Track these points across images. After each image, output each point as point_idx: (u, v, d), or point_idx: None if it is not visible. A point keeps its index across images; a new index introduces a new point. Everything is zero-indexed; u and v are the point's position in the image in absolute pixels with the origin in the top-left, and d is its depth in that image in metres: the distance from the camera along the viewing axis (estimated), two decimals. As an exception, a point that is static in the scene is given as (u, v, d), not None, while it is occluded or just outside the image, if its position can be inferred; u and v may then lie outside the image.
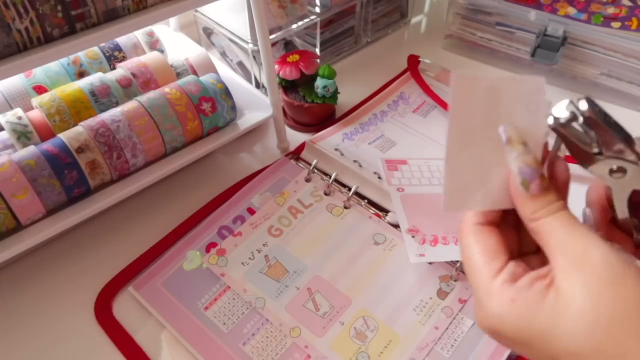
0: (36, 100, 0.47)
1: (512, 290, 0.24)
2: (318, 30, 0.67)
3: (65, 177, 0.44)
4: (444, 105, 0.62)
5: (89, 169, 0.45)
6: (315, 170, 0.55)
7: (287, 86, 0.61)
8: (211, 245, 0.49)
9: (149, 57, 0.53)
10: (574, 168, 0.29)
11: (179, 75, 0.54)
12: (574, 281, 0.23)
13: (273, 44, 0.64)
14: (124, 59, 0.55)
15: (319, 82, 0.58)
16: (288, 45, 0.68)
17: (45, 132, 0.47)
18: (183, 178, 0.56)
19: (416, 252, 0.45)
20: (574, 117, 0.26)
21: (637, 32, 0.60)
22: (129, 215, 0.53)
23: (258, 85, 0.65)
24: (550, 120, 0.26)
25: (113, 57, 0.54)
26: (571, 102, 0.26)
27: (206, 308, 0.44)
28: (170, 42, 0.61)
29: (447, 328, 0.43)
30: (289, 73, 0.58)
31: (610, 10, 0.64)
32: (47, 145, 0.44)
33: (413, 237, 0.47)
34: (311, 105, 0.59)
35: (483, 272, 0.26)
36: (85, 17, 0.38)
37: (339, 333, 0.43)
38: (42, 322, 0.45)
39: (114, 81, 0.50)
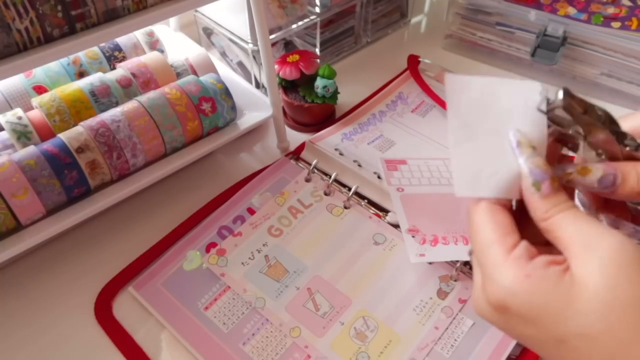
0: (36, 100, 0.47)
1: (528, 267, 0.24)
2: (318, 30, 0.67)
3: (65, 177, 0.44)
4: (443, 104, 0.62)
5: (89, 169, 0.45)
6: (315, 170, 0.55)
7: (287, 86, 0.61)
8: (211, 245, 0.49)
9: (149, 57, 0.53)
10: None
11: (179, 75, 0.54)
12: (590, 265, 0.23)
13: (273, 44, 0.64)
14: (124, 59, 0.55)
15: (319, 82, 0.58)
16: (288, 45, 0.68)
17: (45, 132, 0.47)
18: (183, 178, 0.56)
19: (416, 252, 0.45)
20: (557, 105, 0.27)
21: (637, 32, 0.60)
22: (129, 215, 0.53)
23: (258, 85, 0.65)
24: (543, 107, 0.27)
25: (113, 57, 0.54)
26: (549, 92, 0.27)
27: (206, 308, 0.44)
28: (170, 42, 0.61)
29: (447, 328, 0.43)
30: (289, 73, 0.58)
31: (610, 10, 0.64)
32: (47, 145, 0.44)
33: (413, 237, 0.47)
34: (311, 105, 0.59)
35: (496, 247, 0.25)
36: (85, 17, 0.38)
37: (339, 333, 0.43)
38: (42, 322, 0.45)
39: (114, 81, 0.50)
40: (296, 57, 0.59)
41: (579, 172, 0.27)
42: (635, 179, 0.27)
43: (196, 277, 0.46)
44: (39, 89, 0.50)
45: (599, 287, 0.22)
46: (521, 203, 0.27)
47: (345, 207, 0.52)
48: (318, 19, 0.65)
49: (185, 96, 0.50)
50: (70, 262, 0.49)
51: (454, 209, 0.49)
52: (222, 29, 0.63)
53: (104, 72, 0.52)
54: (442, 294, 0.45)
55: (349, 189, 0.53)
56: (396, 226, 0.50)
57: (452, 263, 0.46)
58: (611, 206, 0.30)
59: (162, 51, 0.58)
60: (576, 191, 0.30)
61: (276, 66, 0.59)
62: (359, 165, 0.55)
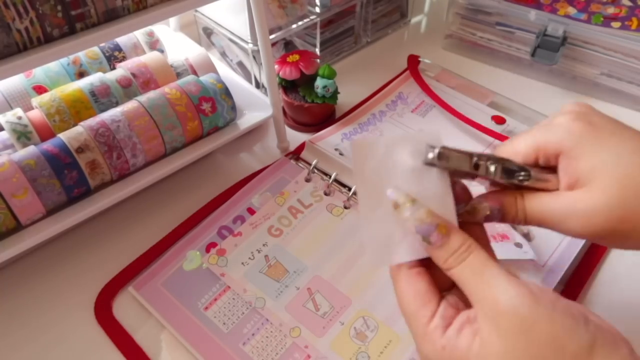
0: (36, 100, 0.47)
1: (443, 339, 0.26)
2: (318, 30, 0.67)
3: (65, 177, 0.44)
4: (443, 105, 0.62)
5: (89, 169, 0.45)
6: (315, 170, 0.55)
7: (287, 86, 0.61)
8: (211, 245, 0.49)
9: (149, 57, 0.53)
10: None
11: (179, 75, 0.54)
12: (491, 330, 0.25)
13: (273, 44, 0.64)
14: (124, 59, 0.55)
15: (319, 82, 0.58)
16: (288, 45, 0.68)
17: (45, 132, 0.47)
18: (183, 178, 0.56)
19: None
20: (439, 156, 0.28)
21: (637, 32, 0.60)
22: (129, 215, 0.53)
23: (258, 85, 0.65)
24: (432, 159, 0.28)
25: (113, 57, 0.54)
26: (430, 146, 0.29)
27: (206, 308, 0.44)
28: (170, 42, 0.61)
29: (447, 328, 0.43)
30: (289, 73, 0.58)
31: (610, 10, 0.64)
32: (47, 145, 0.44)
33: None
34: (311, 105, 0.59)
35: (417, 318, 0.28)
36: (85, 17, 0.38)
37: (339, 333, 0.43)
38: (42, 322, 0.45)
39: (114, 81, 0.50)
40: (296, 57, 0.59)
41: (469, 213, 0.29)
42: (514, 210, 0.30)
43: (196, 277, 0.46)
44: (39, 89, 0.50)
45: (501, 351, 0.24)
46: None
47: (345, 207, 0.52)
48: (318, 19, 0.65)
49: (185, 96, 0.50)
50: (70, 262, 0.49)
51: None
52: (222, 29, 0.63)
53: (104, 72, 0.52)
54: (442, 294, 0.45)
55: (349, 189, 0.53)
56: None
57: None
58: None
59: (162, 51, 0.58)
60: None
61: (276, 66, 0.59)
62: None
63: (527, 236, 0.48)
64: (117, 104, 0.49)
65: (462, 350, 0.26)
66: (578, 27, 0.62)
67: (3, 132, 0.46)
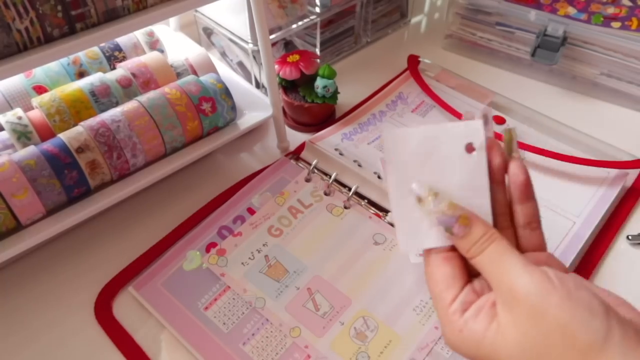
0: (36, 100, 0.47)
1: (460, 321, 0.27)
2: (318, 30, 0.67)
3: (65, 177, 0.44)
4: (443, 105, 0.62)
5: (89, 169, 0.45)
6: (315, 170, 0.55)
7: (287, 86, 0.61)
8: (211, 245, 0.49)
9: (149, 57, 0.53)
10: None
11: (179, 75, 0.54)
12: (507, 316, 0.26)
13: (273, 44, 0.64)
14: (124, 59, 0.55)
15: (319, 82, 0.58)
16: (288, 45, 0.68)
17: (45, 132, 0.47)
18: (183, 178, 0.56)
19: (416, 252, 0.45)
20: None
21: (637, 32, 0.60)
22: (129, 215, 0.53)
23: (258, 85, 0.65)
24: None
25: (113, 57, 0.54)
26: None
27: (206, 308, 0.44)
28: (170, 42, 0.61)
29: (447, 328, 0.43)
30: (289, 73, 0.58)
31: (610, 10, 0.64)
32: (47, 145, 0.44)
33: None
34: (311, 105, 0.59)
35: (440, 301, 0.29)
36: (85, 17, 0.38)
37: (339, 333, 0.43)
38: (42, 322, 0.45)
39: (114, 81, 0.50)
40: (296, 57, 0.59)
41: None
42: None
43: (196, 277, 0.46)
44: (39, 89, 0.50)
45: (515, 336, 0.25)
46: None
47: (345, 207, 0.52)
48: (318, 19, 0.65)
49: (185, 96, 0.50)
50: (71, 262, 0.49)
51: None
52: (222, 29, 0.63)
53: (104, 72, 0.52)
54: (442, 294, 0.45)
55: (349, 189, 0.53)
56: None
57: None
58: None
59: (162, 51, 0.58)
60: None
61: (276, 66, 0.59)
62: (359, 165, 0.55)
63: None
64: (117, 104, 0.49)
65: (477, 333, 0.26)
66: (578, 27, 0.62)
67: (3, 132, 0.46)
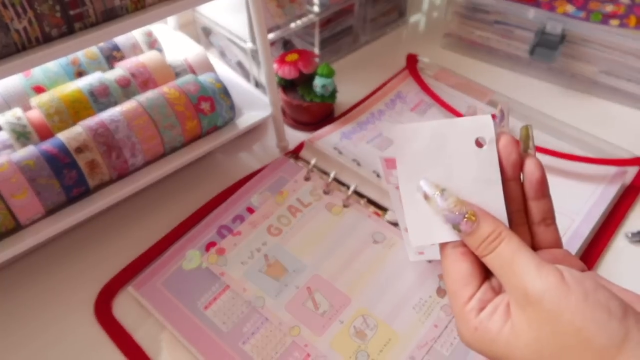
0: (35, 100, 0.47)
1: (476, 321, 0.27)
2: (317, 30, 0.67)
3: (65, 177, 0.44)
4: (442, 103, 0.62)
5: (88, 168, 0.45)
6: (315, 169, 0.55)
7: (286, 85, 0.61)
8: (210, 245, 0.49)
9: (148, 57, 0.53)
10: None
11: (177, 74, 0.54)
12: (521, 318, 0.26)
13: (272, 43, 0.64)
14: (122, 58, 0.55)
15: (318, 81, 0.58)
16: (287, 44, 0.68)
17: (44, 132, 0.47)
18: (182, 178, 0.56)
19: (415, 250, 0.45)
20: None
21: (635, 29, 0.60)
22: (128, 215, 0.53)
23: (257, 84, 0.65)
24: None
25: (112, 56, 0.54)
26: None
27: (206, 307, 0.44)
28: (169, 41, 0.61)
29: (446, 326, 0.43)
30: (288, 72, 0.58)
31: (609, 8, 0.64)
32: (46, 145, 0.44)
33: None
34: (310, 105, 0.59)
35: (456, 298, 0.28)
36: (83, 16, 0.38)
37: (339, 332, 0.43)
38: (42, 321, 0.45)
39: (113, 81, 0.50)
40: (295, 56, 0.59)
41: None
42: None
43: (196, 277, 0.47)
44: (38, 89, 0.50)
45: (529, 337, 0.25)
46: None
47: (345, 206, 0.52)
48: (317, 18, 0.65)
49: (184, 96, 0.50)
50: (70, 261, 0.49)
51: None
52: (220, 28, 0.63)
53: (103, 72, 0.52)
54: (441, 292, 0.45)
55: (348, 188, 0.53)
56: (395, 224, 0.50)
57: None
58: None
59: (160, 51, 0.58)
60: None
61: (275, 65, 0.59)
62: (358, 164, 0.55)
63: None
64: (115, 103, 0.49)
65: (492, 332, 0.26)
66: (577, 25, 0.62)
67: (2, 132, 0.46)
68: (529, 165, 0.29)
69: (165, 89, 0.50)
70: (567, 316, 0.24)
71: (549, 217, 0.30)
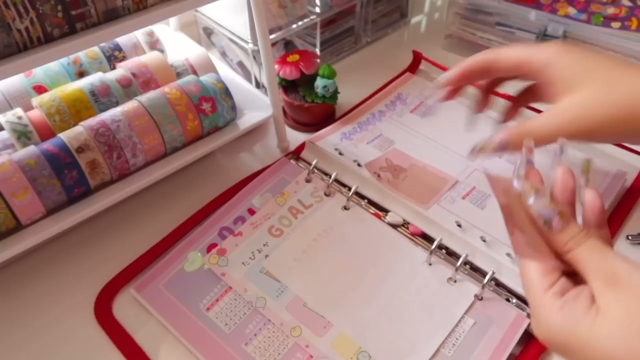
0: (36, 100, 0.47)
1: (560, 301, 0.28)
2: (318, 30, 0.67)
3: (65, 176, 0.44)
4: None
5: (89, 168, 0.45)
6: (315, 170, 0.55)
7: (287, 86, 0.61)
8: (212, 246, 0.49)
9: (149, 57, 0.53)
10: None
11: (179, 75, 0.54)
12: (610, 297, 0.26)
13: (273, 44, 0.64)
14: (124, 58, 0.55)
15: (319, 82, 0.58)
16: (288, 45, 0.68)
17: (45, 132, 0.46)
18: (183, 178, 0.56)
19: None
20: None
21: (637, 32, 0.60)
22: (129, 215, 0.53)
23: (258, 85, 0.65)
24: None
25: (113, 57, 0.54)
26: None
27: (208, 309, 0.44)
28: (171, 41, 0.61)
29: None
30: (289, 73, 0.58)
31: (610, 10, 0.64)
32: (47, 145, 0.44)
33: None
34: (311, 105, 0.59)
35: (536, 287, 0.29)
36: (85, 17, 0.38)
37: (340, 332, 0.43)
38: (42, 322, 0.45)
39: (114, 81, 0.50)
40: (296, 57, 0.59)
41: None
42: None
43: (198, 278, 0.46)
44: (39, 89, 0.50)
45: (618, 314, 0.26)
46: None
47: (345, 208, 0.52)
48: (318, 18, 0.65)
49: (185, 96, 0.50)
50: (70, 262, 0.49)
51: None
52: (222, 28, 0.63)
53: (104, 72, 0.52)
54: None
55: (349, 189, 0.53)
56: (395, 226, 0.50)
57: (452, 263, 0.46)
58: None
59: (162, 51, 0.58)
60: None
61: (276, 66, 0.59)
62: (359, 165, 0.55)
63: None
64: (117, 103, 0.49)
65: (579, 311, 0.27)
66: (578, 27, 0.62)
67: (3, 132, 0.46)
68: (590, 195, 0.31)
69: (166, 89, 0.50)
70: None
71: (610, 246, 0.32)
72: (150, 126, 0.47)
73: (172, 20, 0.65)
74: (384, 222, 0.50)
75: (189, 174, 0.56)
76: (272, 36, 0.62)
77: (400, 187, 0.52)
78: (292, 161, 0.56)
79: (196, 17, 0.67)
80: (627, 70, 0.36)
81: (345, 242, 0.49)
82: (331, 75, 0.59)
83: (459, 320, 0.43)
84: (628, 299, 0.26)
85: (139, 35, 0.57)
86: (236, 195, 0.53)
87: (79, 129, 0.45)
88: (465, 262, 0.46)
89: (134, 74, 0.51)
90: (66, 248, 0.50)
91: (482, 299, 0.44)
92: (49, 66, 0.51)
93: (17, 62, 0.35)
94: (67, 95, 0.48)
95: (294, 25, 0.64)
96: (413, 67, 0.69)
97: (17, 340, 0.43)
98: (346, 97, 0.64)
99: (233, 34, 0.62)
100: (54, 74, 0.51)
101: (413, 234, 0.49)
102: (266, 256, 0.48)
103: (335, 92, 0.60)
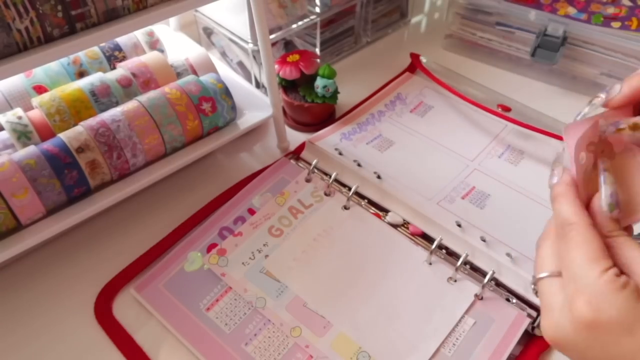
0: (36, 100, 0.47)
1: (622, 279, 0.26)
2: (318, 30, 0.67)
3: (66, 176, 0.44)
4: (452, 91, 0.61)
5: (89, 168, 0.45)
6: (315, 170, 0.55)
7: (287, 86, 0.61)
8: (212, 246, 0.49)
9: (149, 57, 0.53)
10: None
11: (179, 75, 0.54)
12: None
13: (273, 44, 0.64)
14: (124, 58, 0.55)
15: (319, 82, 0.58)
16: (288, 45, 0.68)
17: (45, 132, 0.46)
18: (183, 178, 0.56)
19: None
20: None
21: (637, 32, 0.60)
22: (129, 216, 0.53)
23: (258, 85, 0.65)
24: None
25: (113, 57, 0.54)
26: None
27: (208, 309, 0.44)
28: (171, 41, 0.61)
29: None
30: (289, 73, 0.58)
31: (610, 10, 0.64)
32: (47, 145, 0.44)
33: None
34: (311, 105, 0.59)
35: (591, 270, 0.27)
36: (85, 17, 0.38)
37: (340, 332, 0.43)
38: (42, 322, 0.45)
39: (114, 81, 0.50)
40: (296, 57, 0.59)
41: (631, 128, 0.30)
42: None
43: (198, 278, 0.46)
44: (39, 89, 0.50)
45: None
46: None
47: (345, 208, 0.52)
48: (318, 18, 0.65)
49: (185, 96, 0.50)
50: (70, 262, 0.49)
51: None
52: (222, 28, 0.63)
53: (104, 71, 0.52)
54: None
55: (349, 189, 0.53)
56: (395, 226, 0.50)
57: (452, 263, 0.46)
58: None
59: (162, 51, 0.58)
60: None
61: (276, 66, 0.59)
62: (359, 165, 0.55)
63: None
64: (117, 103, 0.49)
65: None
66: (578, 27, 0.62)
67: (3, 132, 0.46)
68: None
69: (166, 89, 0.50)
70: None
71: None
72: (150, 126, 0.47)
73: (172, 20, 0.65)
74: (384, 222, 0.50)
75: (189, 174, 0.56)
76: (272, 36, 0.62)
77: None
78: (292, 161, 0.56)
79: (196, 17, 0.67)
80: None
81: (346, 242, 0.49)
82: (331, 75, 0.59)
83: (459, 320, 0.43)
84: None
85: (139, 35, 0.57)
86: (236, 195, 0.53)
87: (79, 129, 0.45)
88: (465, 262, 0.46)
89: (134, 74, 0.51)
90: (66, 248, 0.50)
91: (482, 298, 0.44)
92: (49, 66, 0.51)
93: (17, 62, 0.35)
94: (67, 95, 0.48)
95: (294, 25, 0.64)
96: (413, 67, 0.69)
97: (17, 339, 0.43)
98: (346, 97, 0.64)
99: (233, 34, 0.62)
100: (54, 74, 0.51)
101: (413, 234, 0.49)
102: (266, 256, 0.48)
103: (335, 92, 0.60)
